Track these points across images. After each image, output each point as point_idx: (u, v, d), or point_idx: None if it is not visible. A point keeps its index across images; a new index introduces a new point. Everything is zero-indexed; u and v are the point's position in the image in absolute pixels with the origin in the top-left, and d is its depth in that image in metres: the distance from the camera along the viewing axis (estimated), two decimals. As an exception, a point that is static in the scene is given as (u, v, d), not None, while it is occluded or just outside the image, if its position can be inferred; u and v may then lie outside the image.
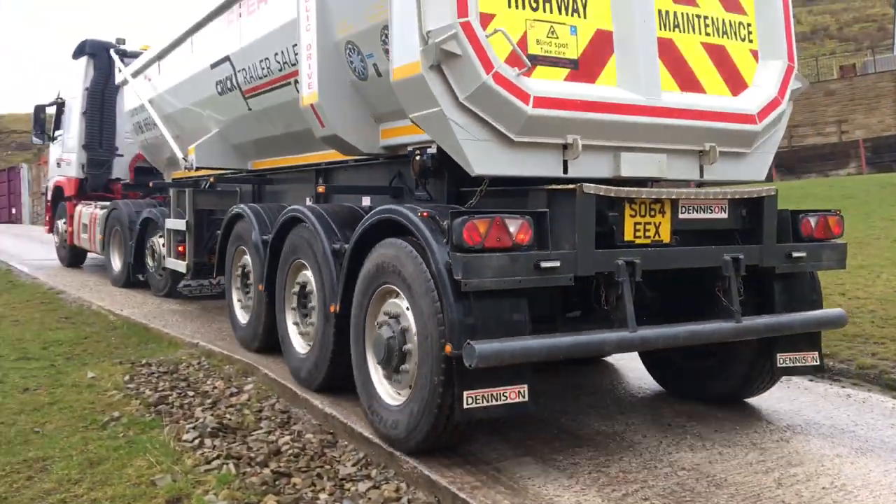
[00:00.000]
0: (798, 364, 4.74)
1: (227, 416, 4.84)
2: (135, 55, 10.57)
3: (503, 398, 3.67)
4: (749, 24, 4.81)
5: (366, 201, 5.36)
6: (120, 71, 10.49)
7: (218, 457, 4.08)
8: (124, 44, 11.50)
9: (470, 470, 3.81)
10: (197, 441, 4.32)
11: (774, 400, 5.11)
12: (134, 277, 10.12)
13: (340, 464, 4.08)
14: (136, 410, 4.99)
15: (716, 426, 4.57)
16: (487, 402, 3.63)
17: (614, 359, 6.04)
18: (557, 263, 3.74)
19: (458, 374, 3.58)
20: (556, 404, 4.95)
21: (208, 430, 4.49)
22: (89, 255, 12.76)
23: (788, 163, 27.07)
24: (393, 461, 3.96)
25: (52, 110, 13.09)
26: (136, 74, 9.73)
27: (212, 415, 4.85)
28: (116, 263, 10.71)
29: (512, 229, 3.68)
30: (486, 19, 3.84)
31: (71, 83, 12.27)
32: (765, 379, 4.86)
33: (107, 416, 4.84)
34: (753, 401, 5.07)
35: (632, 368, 5.85)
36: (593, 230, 3.90)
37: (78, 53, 11.92)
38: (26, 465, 4.03)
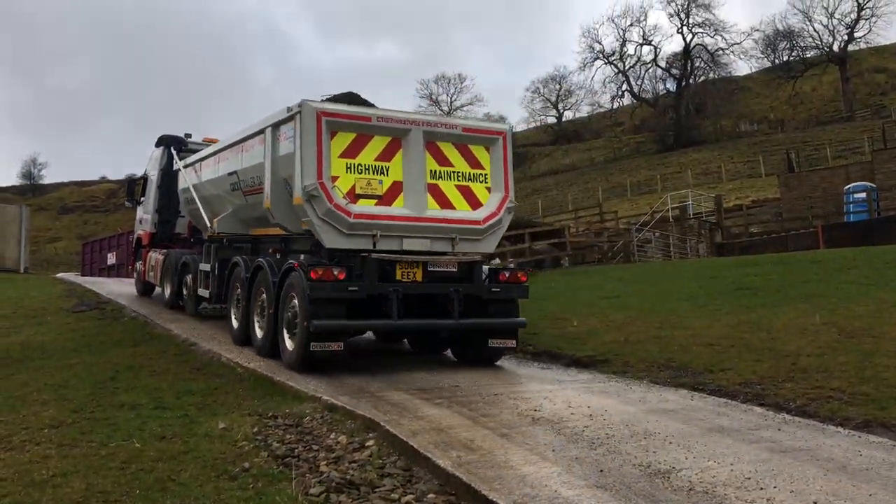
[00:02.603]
0: (501, 346, 8.92)
1: (351, 471, 4.90)
2: (193, 150, 14.16)
3: (330, 347, 7.94)
4: (486, 174, 9.02)
5: (302, 257, 8.89)
6: (176, 163, 14.23)
7: (344, 513, 4.10)
8: (191, 137, 15.32)
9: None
10: (323, 496, 4.39)
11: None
12: (175, 302, 14.01)
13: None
14: (264, 462, 5.12)
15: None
16: (322, 349, 7.91)
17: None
18: (357, 288, 8.03)
19: (309, 335, 7.83)
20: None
21: (334, 484, 4.55)
22: (157, 288, 15.88)
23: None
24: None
25: (140, 182, 17.03)
26: (186, 167, 13.38)
27: (336, 470, 4.92)
28: (167, 292, 14.54)
29: (335, 272, 7.95)
30: (334, 178, 8.10)
31: (152, 164, 16.12)
32: (491, 353, 9.03)
33: (237, 466, 4.99)
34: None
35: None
36: (377, 273, 8.15)
37: (158, 143, 15.69)
38: (164, 512, 4.19)
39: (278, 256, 9.75)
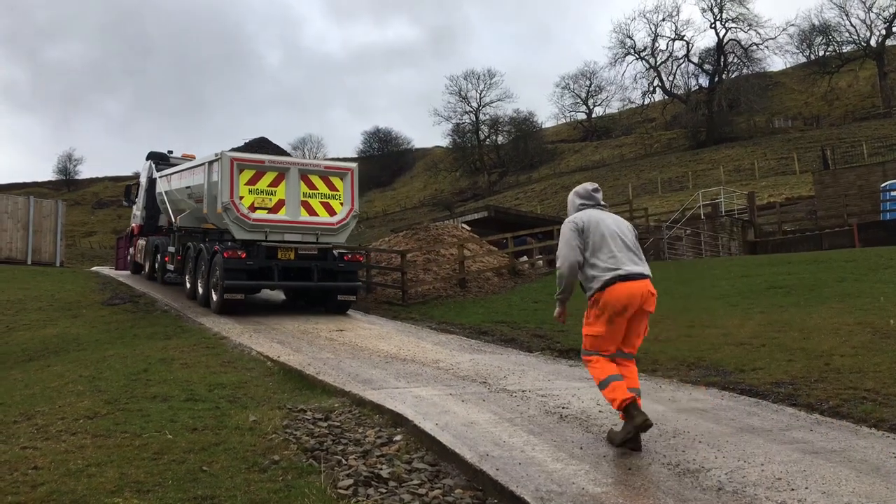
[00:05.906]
0: (346, 300, 14.45)
1: (379, 465, 4.93)
2: (173, 164, 18.62)
3: (235, 297, 13.44)
4: (340, 194, 14.19)
5: (229, 243, 13.65)
6: (152, 174, 19.41)
7: (372, 506, 4.14)
8: (172, 153, 20.31)
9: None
10: (351, 490, 4.41)
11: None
12: (151, 275, 18.98)
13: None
14: (293, 455, 5.16)
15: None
16: (231, 298, 13.37)
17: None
18: (252, 263, 13.38)
19: (224, 290, 13.28)
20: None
21: (362, 478, 4.58)
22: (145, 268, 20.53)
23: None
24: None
25: (134, 186, 22.69)
26: (161, 177, 18.05)
27: (364, 464, 4.95)
28: (146, 268, 19.58)
29: (239, 253, 13.32)
30: (241, 197, 13.39)
31: (142, 173, 21.20)
32: (340, 304, 14.44)
33: (267, 459, 5.04)
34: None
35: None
36: (265, 254, 13.52)
37: (147, 157, 20.73)
38: (195, 502, 4.25)
39: (217, 243, 14.18)
